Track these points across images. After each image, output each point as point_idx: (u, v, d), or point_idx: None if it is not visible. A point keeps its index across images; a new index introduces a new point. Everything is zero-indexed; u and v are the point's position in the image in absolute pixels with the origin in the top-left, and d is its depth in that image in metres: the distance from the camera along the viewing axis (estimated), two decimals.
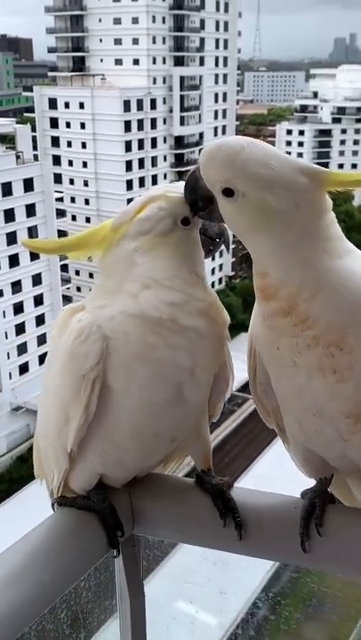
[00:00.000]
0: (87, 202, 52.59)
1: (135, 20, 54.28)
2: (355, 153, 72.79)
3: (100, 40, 56.40)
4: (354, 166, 71.56)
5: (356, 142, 72.97)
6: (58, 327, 1.69)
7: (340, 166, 70.96)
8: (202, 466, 1.80)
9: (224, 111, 63.05)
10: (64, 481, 1.75)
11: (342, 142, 72.79)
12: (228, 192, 1.51)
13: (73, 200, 52.54)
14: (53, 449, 1.72)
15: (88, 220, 52.39)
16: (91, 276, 51.07)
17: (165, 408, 1.61)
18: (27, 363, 39.42)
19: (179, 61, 56.72)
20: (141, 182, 53.03)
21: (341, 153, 72.59)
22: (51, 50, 60.60)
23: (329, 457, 1.69)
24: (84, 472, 1.71)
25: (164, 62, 55.90)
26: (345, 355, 1.48)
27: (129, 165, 52.10)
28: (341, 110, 72.85)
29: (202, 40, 58.81)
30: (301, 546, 1.62)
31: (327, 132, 72.60)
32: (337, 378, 1.50)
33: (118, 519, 1.70)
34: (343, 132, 72.68)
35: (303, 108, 76.70)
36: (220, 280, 52.94)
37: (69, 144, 53.27)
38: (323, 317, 1.48)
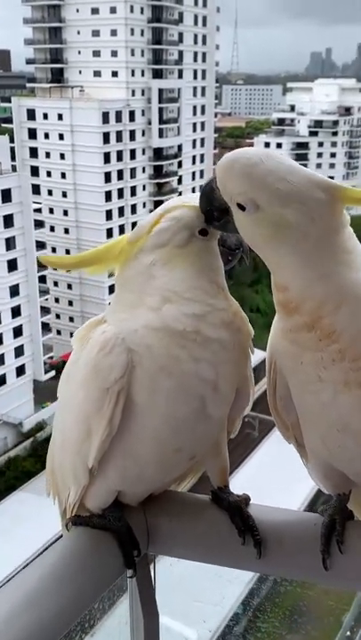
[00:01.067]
0: (66, 213, 52.41)
1: (114, 33, 54.51)
2: (332, 166, 73.67)
3: (79, 52, 56.50)
4: (331, 178, 72.20)
5: (332, 155, 73.92)
6: (79, 340, 1.66)
7: None
8: (218, 483, 1.77)
9: (202, 124, 63.45)
10: (80, 499, 1.71)
11: (319, 155, 73.68)
12: (244, 205, 1.49)
13: (51, 211, 52.30)
14: (72, 465, 1.67)
15: (67, 231, 52.24)
16: (69, 287, 50.95)
17: (188, 422, 1.57)
18: (4, 375, 39.02)
19: (157, 74, 57.02)
20: (120, 194, 53.07)
21: (319, 165, 73.35)
22: (29, 61, 60.53)
23: (351, 472, 1.67)
24: (102, 489, 1.67)
25: (142, 74, 56.15)
26: None
27: (108, 177, 52.09)
28: (318, 123, 73.80)
29: (180, 53, 59.23)
30: (323, 563, 1.59)
31: (305, 145, 73.48)
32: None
33: (135, 538, 1.66)
34: (320, 144, 73.66)
35: (281, 122, 77.57)
36: None
37: (48, 155, 53.12)
38: (348, 330, 1.46)
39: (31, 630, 1.45)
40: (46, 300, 46.12)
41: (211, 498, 1.76)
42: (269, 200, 1.45)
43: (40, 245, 43.53)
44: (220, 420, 1.67)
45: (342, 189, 1.48)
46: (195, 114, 62.13)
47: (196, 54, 61.89)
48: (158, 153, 56.95)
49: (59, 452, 1.75)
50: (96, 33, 55.09)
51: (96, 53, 55.59)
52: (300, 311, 1.48)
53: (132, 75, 55.25)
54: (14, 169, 46.77)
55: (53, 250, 49.64)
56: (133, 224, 55.03)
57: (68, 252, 51.96)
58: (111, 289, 53.94)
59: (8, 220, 40.00)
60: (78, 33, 55.90)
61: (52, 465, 1.80)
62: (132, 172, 54.51)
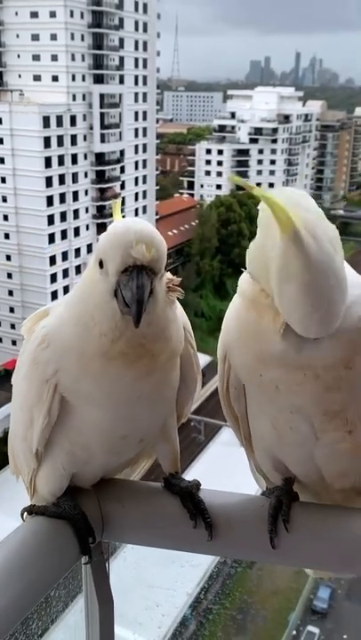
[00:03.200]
0: (6, 218, 51.63)
1: (54, 37, 54.07)
2: (272, 172, 74.99)
3: (18, 56, 55.80)
4: (271, 185, 73.68)
5: (272, 162, 75.20)
6: (26, 331, 1.71)
7: (258, 185, 72.71)
8: (170, 469, 1.83)
9: (144, 129, 63.60)
10: (35, 487, 1.76)
11: (260, 162, 74.86)
12: None
13: None
14: (22, 450, 1.75)
15: (7, 236, 51.41)
16: (9, 276, 50.11)
17: (129, 412, 1.62)
18: None
19: (98, 79, 56.87)
20: (62, 199, 52.60)
21: (259, 172, 74.60)
22: None
23: (296, 461, 1.75)
24: (54, 474, 1.73)
25: (83, 79, 55.88)
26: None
27: (49, 182, 51.56)
28: (258, 131, 75.05)
29: (121, 59, 59.24)
30: (271, 542, 1.67)
31: (245, 152, 74.54)
32: (327, 387, 1.56)
33: (90, 525, 1.70)
34: (260, 152, 74.87)
35: (221, 128, 78.53)
36: None
37: None
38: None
39: None
40: None
41: (163, 484, 1.82)
42: None
43: None
44: (166, 405, 1.72)
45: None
46: (136, 119, 62.22)
47: (137, 60, 62.03)
48: (100, 158, 56.75)
49: (12, 437, 1.83)
50: (35, 37, 54.54)
51: (36, 57, 55.03)
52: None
53: (73, 79, 54.92)
54: None
55: None
56: (76, 229, 54.49)
57: (8, 257, 51.16)
58: (53, 277, 52.29)
59: None
60: (17, 36, 55.20)
61: (12, 447, 1.86)
62: (74, 176, 54.14)
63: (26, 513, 1.75)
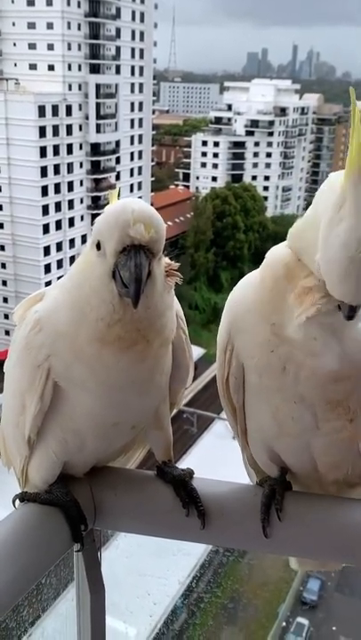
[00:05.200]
0: (0, 207, 51.42)
1: (50, 26, 53.73)
2: (267, 165, 74.90)
3: (14, 44, 55.42)
4: (266, 178, 73.63)
5: (268, 155, 75.08)
6: (19, 318, 1.69)
7: (254, 178, 72.83)
8: (162, 457, 1.82)
9: (140, 120, 63.34)
10: (27, 474, 1.75)
11: (256, 154, 74.73)
12: None
13: None
14: (13, 437, 1.73)
15: (1, 226, 51.22)
16: (3, 266, 49.94)
17: (122, 397, 1.61)
18: None
19: (94, 69, 56.57)
20: (57, 189, 52.41)
21: (255, 165, 74.48)
22: None
23: (292, 452, 1.74)
24: (46, 461, 1.71)
25: (79, 69, 55.58)
26: None
27: (44, 171, 51.36)
28: (255, 123, 74.86)
29: (118, 49, 58.95)
30: (263, 531, 1.67)
31: (241, 145, 74.37)
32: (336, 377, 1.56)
33: (82, 512, 1.69)
34: (256, 144, 74.71)
35: (218, 120, 78.27)
36: None
37: None
38: None
39: None
40: None
41: (156, 473, 1.81)
42: None
43: None
44: (158, 392, 1.71)
45: None
46: (132, 110, 61.96)
47: (133, 50, 61.72)
48: (96, 148, 56.53)
49: (3, 425, 1.81)
50: (32, 25, 54.19)
51: (32, 46, 54.68)
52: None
53: (69, 69, 54.62)
54: None
55: None
56: (70, 220, 54.28)
57: (2, 248, 50.98)
58: (46, 250, 52.19)
59: None
60: (14, 25, 54.83)
61: (3, 437, 1.84)
62: (70, 166, 53.94)
63: (18, 500, 1.74)
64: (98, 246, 1.47)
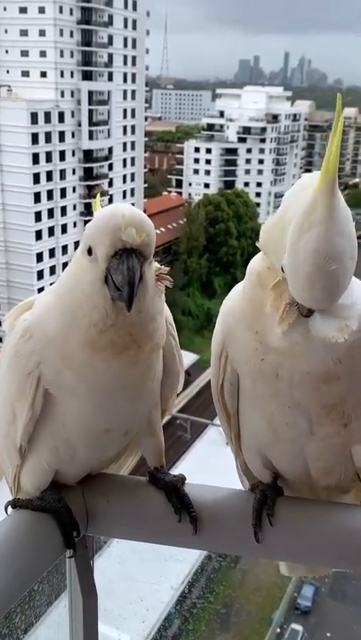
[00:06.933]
0: None
1: (42, 33, 53.87)
2: (260, 172, 75.15)
3: (7, 51, 55.50)
4: (259, 184, 73.86)
5: (260, 161, 75.35)
6: (8, 326, 1.69)
7: (246, 184, 73.05)
8: (155, 463, 1.82)
9: (133, 127, 63.51)
10: (19, 482, 1.75)
11: (248, 161, 74.98)
12: None
13: None
14: (5, 446, 1.73)
15: None
16: None
17: (113, 403, 1.61)
18: None
19: (87, 76, 56.70)
20: (50, 195, 52.42)
21: (247, 171, 74.71)
22: None
23: (285, 458, 1.75)
24: (38, 469, 1.71)
25: (72, 76, 55.70)
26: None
27: (36, 178, 51.38)
28: (247, 130, 75.16)
29: (110, 56, 59.12)
30: (255, 536, 1.67)
31: (233, 151, 74.62)
32: (326, 379, 1.56)
33: (74, 519, 1.69)
34: (249, 151, 74.99)
35: (210, 127, 78.56)
36: None
37: None
38: None
39: None
40: None
41: (148, 479, 1.81)
42: None
43: None
44: (147, 398, 1.71)
45: None
46: (125, 117, 62.12)
47: (125, 57, 61.91)
48: (88, 155, 56.61)
49: None
50: (24, 32, 54.30)
51: (24, 53, 54.77)
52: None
53: (62, 76, 54.74)
54: None
55: None
56: (63, 226, 54.27)
57: None
58: (39, 257, 52.10)
59: None
60: (6, 32, 54.91)
61: None
62: (62, 173, 53.97)
63: (10, 507, 1.74)
64: (89, 252, 1.48)
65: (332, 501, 1.81)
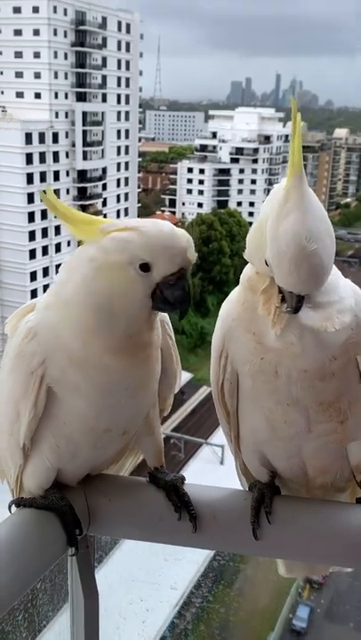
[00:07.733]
0: None
1: (37, 55, 54.44)
2: (252, 191, 75.66)
3: (1, 72, 56.01)
4: (251, 204, 74.34)
5: (253, 182, 75.92)
6: (10, 329, 1.74)
7: (239, 204, 73.53)
8: (154, 463, 1.87)
9: (126, 147, 64.02)
10: (22, 481, 1.78)
11: (240, 181, 75.54)
12: None
13: None
14: (8, 446, 1.76)
15: None
16: None
17: (114, 402, 1.66)
18: None
19: (81, 97, 57.23)
20: (44, 215, 52.56)
21: (240, 191, 75.25)
22: None
23: (283, 456, 1.79)
24: (40, 468, 1.75)
25: (66, 97, 56.22)
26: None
27: (30, 198, 51.53)
28: (239, 151, 75.82)
29: (104, 77, 59.72)
30: (253, 534, 1.71)
31: (226, 172, 75.18)
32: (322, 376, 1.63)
33: (77, 517, 1.73)
34: (241, 171, 75.58)
35: (203, 148, 79.17)
36: None
37: None
38: None
39: None
40: None
41: (148, 479, 1.85)
42: None
43: None
44: (147, 397, 1.76)
45: None
46: (119, 137, 62.63)
47: (119, 79, 62.56)
48: (82, 175, 56.93)
49: None
50: (19, 54, 54.86)
51: (19, 74, 55.30)
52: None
53: (56, 97, 55.22)
54: None
55: None
56: (57, 245, 54.13)
57: None
58: (33, 276, 51.73)
59: None
60: (0, 53, 55.45)
61: None
62: (56, 193, 53.53)
63: (14, 505, 1.77)
64: (143, 267, 1.55)
65: (328, 500, 1.85)
